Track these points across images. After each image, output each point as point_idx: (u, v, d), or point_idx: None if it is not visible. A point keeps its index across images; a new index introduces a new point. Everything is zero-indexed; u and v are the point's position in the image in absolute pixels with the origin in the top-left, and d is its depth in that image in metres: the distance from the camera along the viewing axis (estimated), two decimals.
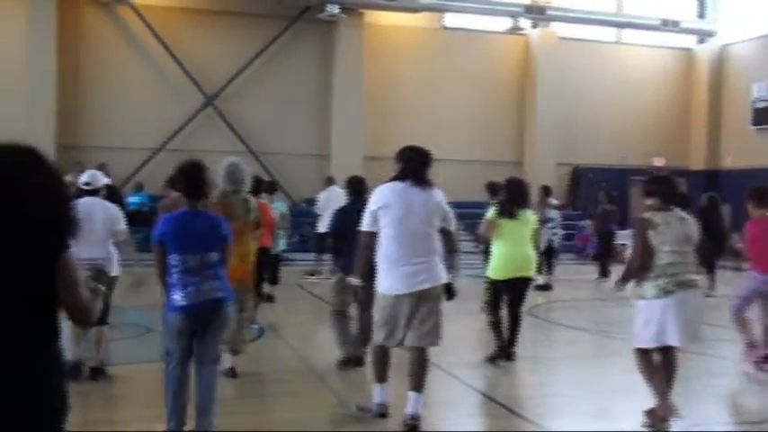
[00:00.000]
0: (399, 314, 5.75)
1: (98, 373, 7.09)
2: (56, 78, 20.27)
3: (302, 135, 22.54)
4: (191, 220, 5.19)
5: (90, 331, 7.04)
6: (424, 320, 5.77)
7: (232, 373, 7.15)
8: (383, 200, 5.77)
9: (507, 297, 8.28)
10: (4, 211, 2.70)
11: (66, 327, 6.36)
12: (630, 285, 5.94)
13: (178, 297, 5.12)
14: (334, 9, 21.44)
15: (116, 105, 20.97)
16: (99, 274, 3.31)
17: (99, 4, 21.02)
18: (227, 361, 7.05)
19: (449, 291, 5.98)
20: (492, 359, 8.16)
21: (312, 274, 15.74)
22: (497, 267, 8.24)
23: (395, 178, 5.87)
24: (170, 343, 5.24)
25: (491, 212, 8.34)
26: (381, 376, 6.00)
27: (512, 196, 8.32)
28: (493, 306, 8.29)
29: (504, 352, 8.19)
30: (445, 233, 5.96)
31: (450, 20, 24.08)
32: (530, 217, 8.38)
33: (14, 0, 20.22)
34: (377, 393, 6.00)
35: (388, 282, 5.74)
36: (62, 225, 2.85)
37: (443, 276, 5.86)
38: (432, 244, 5.80)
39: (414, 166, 5.86)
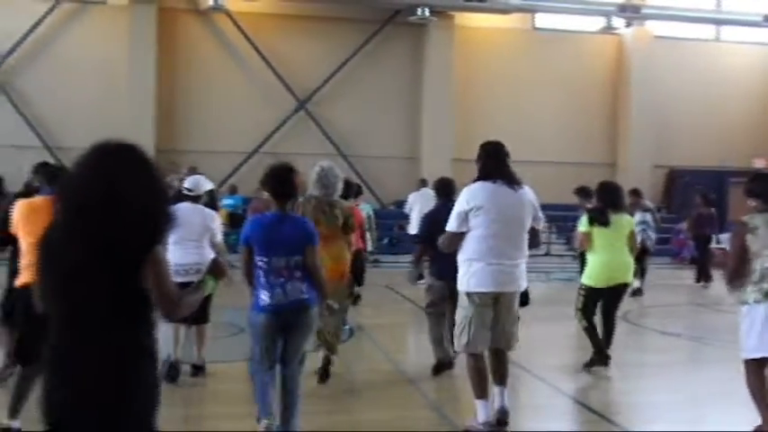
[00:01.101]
0: (482, 315, 5.70)
1: (198, 369, 7.32)
2: (155, 85, 21.00)
3: (392, 138, 22.67)
4: (278, 223, 5.27)
5: (193, 329, 7.28)
6: (507, 326, 5.77)
7: (325, 373, 7.18)
8: (475, 201, 5.67)
9: (602, 303, 8.14)
10: (108, 206, 2.86)
11: (167, 327, 6.64)
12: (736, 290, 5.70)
13: (263, 297, 5.21)
14: (424, 12, 21.49)
15: (211, 110, 21.56)
16: (214, 265, 3.40)
17: (196, 12, 21.66)
18: (321, 360, 7.16)
19: (524, 298, 5.94)
20: (589, 365, 8.05)
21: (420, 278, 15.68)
22: (593, 275, 8.08)
23: (479, 177, 5.80)
24: (255, 342, 5.35)
25: (583, 223, 8.20)
26: (481, 391, 5.81)
27: (605, 202, 8.16)
28: (586, 312, 8.15)
29: (601, 357, 8.06)
30: (534, 231, 5.90)
31: (541, 20, 23.80)
32: (625, 221, 8.18)
33: (118, 12, 21.05)
34: (480, 411, 5.80)
35: (474, 280, 5.69)
36: (160, 221, 3.00)
37: (524, 283, 5.84)
38: (520, 247, 5.75)
39: (496, 164, 5.78)
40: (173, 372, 7.06)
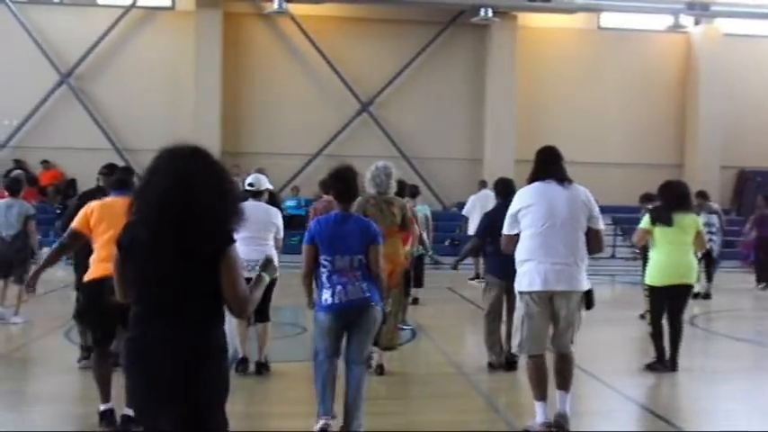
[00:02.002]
0: (538, 314, 5.64)
1: (262, 367, 7.45)
2: (220, 89, 21.36)
3: (455, 139, 22.62)
4: (341, 223, 5.36)
5: (255, 328, 7.42)
6: (566, 327, 5.68)
7: (380, 369, 7.36)
8: (524, 201, 5.69)
9: (668, 305, 8.00)
10: (186, 206, 3.05)
11: (233, 325, 6.78)
12: None
13: (327, 296, 5.30)
14: (487, 13, 21.39)
15: (275, 113, 21.82)
16: (267, 262, 3.53)
17: (260, 16, 21.95)
18: (377, 357, 7.27)
19: (588, 300, 5.82)
20: (650, 368, 7.92)
21: (476, 278, 15.66)
22: (654, 274, 7.99)
23: (531, 179, 5.80)
24: (319, 341, 5.43)
25: (645, 220, 8.08)
26: (540, 393, 5.75)
27: (668, 201, 8.01)
28: (653, 314, 8.02)
29: (663, 362, 7.91)
30: (593, 233, 5.75)
31: (607, 20, 23.46)
32: (690, 221, 8.01)
33: (184, 17, 21.50)
34: (539, 413, 5.73)
35: (526, 279, 5.66)
36: (233, 220, 3.17)
37: (584, 283, 5.69)
38: (576, 245, 5.63)
39: (547, 165, 5.76)
40: (242, 366, 7.28)
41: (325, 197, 9.94)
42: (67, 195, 20.26)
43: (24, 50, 20.94)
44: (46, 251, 20.03)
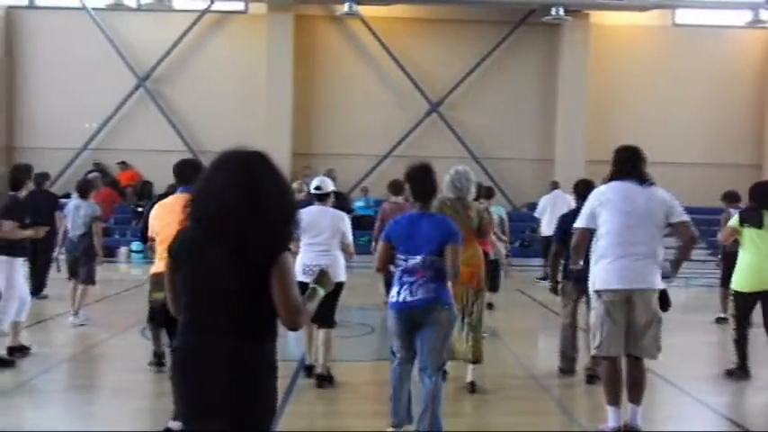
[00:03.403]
0: (614, 315, 5.53)
1: (324, 380, 7.05)
2: (292, 90, 21.62)
3: (525, 139, 22.42)
4: (418, 222, 5.35)
5: (319, 335, 7.16)
6: (644, 329, 5.54)
7: (472, 387, 6.96)
8: (601, 199, 5.61)
9: (762, 312, 7.69)
10: (243, 210, 2.96)
11: (299, 331, 6.80)
12: None
13: (394, 294, 5.32)
14: (558, 12, 21.12)
15: (345, 114, 21.98)
16: (321, 275, 3.35)
17: (331, 18, 22.14)
18: (468, 375, 6.96)
19: (663, 300, 5.68)
20: (730, 374, 7.69)
21: (543, 279, 15.53)
22: (741, 279, 7.72)
23: (610, 178, 5.71)
24: (393, 340, 5.44)
25: (734, 219, 7.85)
26: (613, 397, 5.64)
27: (759, 203, 7.75)
28: (739, 320, 7.75)
29: (745, 369, 7.67)
30: (679, 225, 5.63)
31: (682, 16, 22.92)
32: None
33: (256, 20, 21.83)
34: (611, 417, 5.63)
35: (601, 277, 5.57)
36: (288, 225, 3.08)
37: (658, 283, 5.57)
38: (652, 245, 5.53)
39: (628, 164, 5.65)
40: (306, 373, 7.25)
41: (394, 199, 9.97)
42: (143, 196, 20.81)
43: (104, 56, 21.58)
44: (123, 251, 20.63)
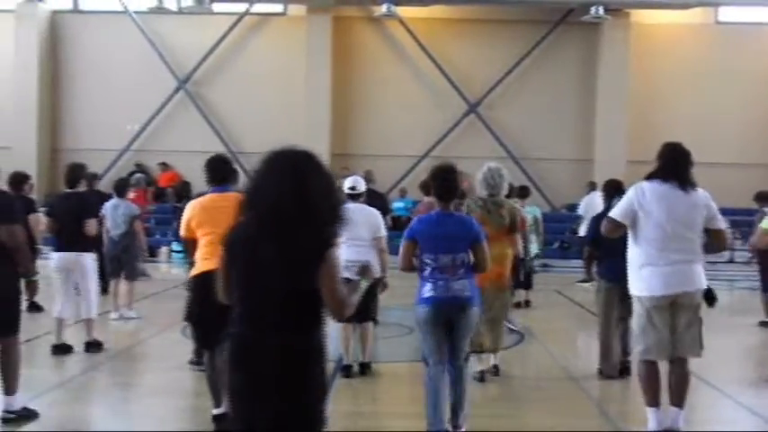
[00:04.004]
0: (658, 320, 5.47)
1: (366, 367, 7.49)
2: (330, 91, 21.72)
3: (564, 139, 22.26)
4: (443, 222, 5.43)
5: (359, 328, 7.45)
6: (685, 328, 5.47)
7: (496, 370, 7.36)
8: (642, 201, 5.48)
9: None
10: (294, 207, 3.11)
11: (336, 327, 6.89)
12: None
13: (427, 290, 5.37)
14: (598, 11, 20.92)
15: (383, 115, 22.03)
16: (364, 269, 3.55)
17: (369, 19, 22.20)
18: (491, 359, 7.31)
19: (709, 298, 5.60)
20: None
21: (585, 281, 15.39)
22: None
23: (652, 175, 5.59)
24: (424, 342, 5.47)
25: (765, 221, 7.73)
26: (653, 399, 5.59)
27: None
28: None
29: None
30: (713, 232, 5.57)
31: (725, 14, 22.56)
32: None
33: (295, 22, 21.97)
34: (651, 419, 5.58)
35: (644, 284, 5.50)
36: (334, 224, 3.22)
37: (703, 282, 5.51)
38: (693, 247, 5.47)
39: (673, 165, 5.55)
40: (345, 372, 7.32)
41: (427, 199, 9.99)
42: (182, 196, 21.05)
43: (145, 58, 21.91)
44: (164, 250, 20.91)
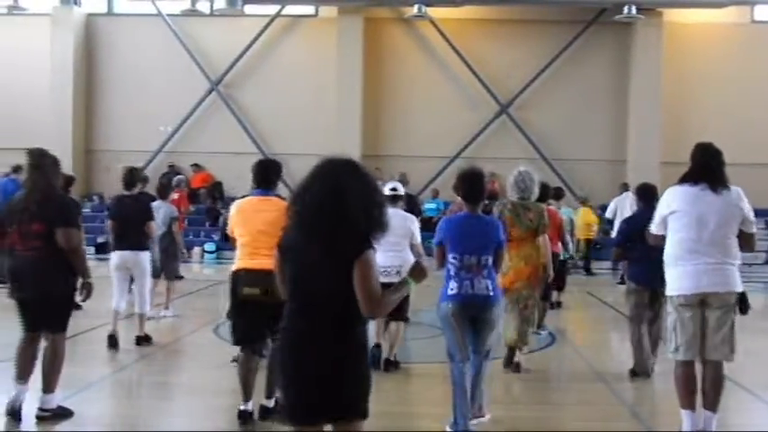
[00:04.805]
0: (687, 319, 5.43)
1: (391, 365, 7.50)
2: (361, 92, 21.77)
3: (596, 140, 22.11)
4: (469, 223, 5.61)
5: (390, 326, 7.54)
6: (717, 330, 5.41)
7: (517, 367, 7.48)
8: (674, 205, 5.48)
9: None
10: (338, 211, 3.35)
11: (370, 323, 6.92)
12: None
13: (453, 287, 5.52)
14: (631, 10, 20.74)
15: (415, 116, 22.03)
16: (415, 269, 3.63)
17: (401, 20, 22.23)
18: (516, 356, 7.47)
19: (742, 304, 5.54)
20: None
21: (622, 283, 15.24)
22: None
23: (684, 178, 5.56)
24: (449, 339, 5.59)
25: None
26: (687, 401, 5.52)
27: None
28: None
29: None
30: (743, 235, 5.49)
31: (761, 12, 22.26)
32: None
33: (327, 24, 22.08)
34: (685, 422, 5.52)
35: (676, 283, 5.48)
36: (375, 229, 3.45)
37: (737, 285, 5.44)
38: (727, 249, 5.41)
39: (704, 166, 5.51)
40: (375, 361, 7.34)
41: (459, 200, 10.00)
42: (215, 198, 21.22)
43: (178, 60, 22.14)
44: (197, 251, 21.12)
